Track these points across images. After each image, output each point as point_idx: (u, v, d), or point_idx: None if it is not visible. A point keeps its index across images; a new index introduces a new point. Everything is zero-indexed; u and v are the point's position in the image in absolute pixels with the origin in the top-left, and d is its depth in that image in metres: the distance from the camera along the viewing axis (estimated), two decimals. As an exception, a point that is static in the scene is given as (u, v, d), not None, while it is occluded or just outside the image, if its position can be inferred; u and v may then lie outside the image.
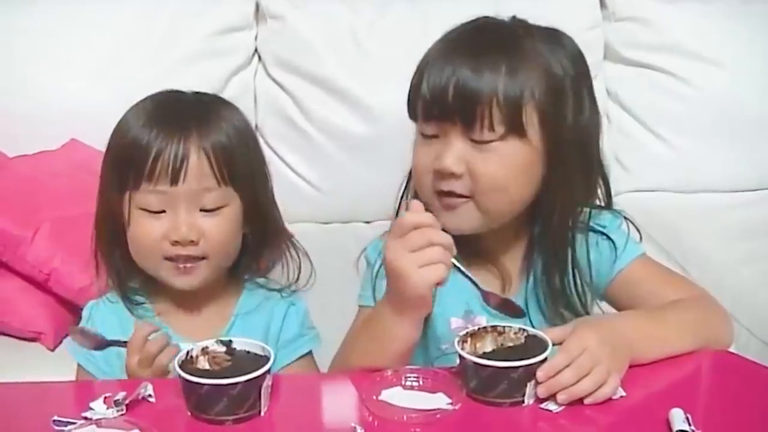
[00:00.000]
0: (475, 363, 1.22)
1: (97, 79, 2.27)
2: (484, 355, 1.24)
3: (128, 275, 1.54)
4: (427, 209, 1.32)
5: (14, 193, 1.89)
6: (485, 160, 1.38)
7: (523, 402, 1.22)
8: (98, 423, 1.17)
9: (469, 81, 1.36)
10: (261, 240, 1.57)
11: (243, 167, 1.50)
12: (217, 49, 2.38)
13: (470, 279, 1.32)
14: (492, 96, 1.36)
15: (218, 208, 1.47)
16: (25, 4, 2.32)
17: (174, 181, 1.43)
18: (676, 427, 1.14)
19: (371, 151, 2.34)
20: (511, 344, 1.28)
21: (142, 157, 1.44)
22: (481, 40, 1.43)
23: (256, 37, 2.44)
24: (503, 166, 1.39)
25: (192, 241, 1.45)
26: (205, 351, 1.26)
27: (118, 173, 1.48)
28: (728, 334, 1.45)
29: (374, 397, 1.23)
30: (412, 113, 1.46)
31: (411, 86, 1.45)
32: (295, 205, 2.38)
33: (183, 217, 1.45)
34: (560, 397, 1.21)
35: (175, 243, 1.45)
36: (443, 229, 1.30)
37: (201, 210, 1.46)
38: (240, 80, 2.41)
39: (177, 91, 1.56)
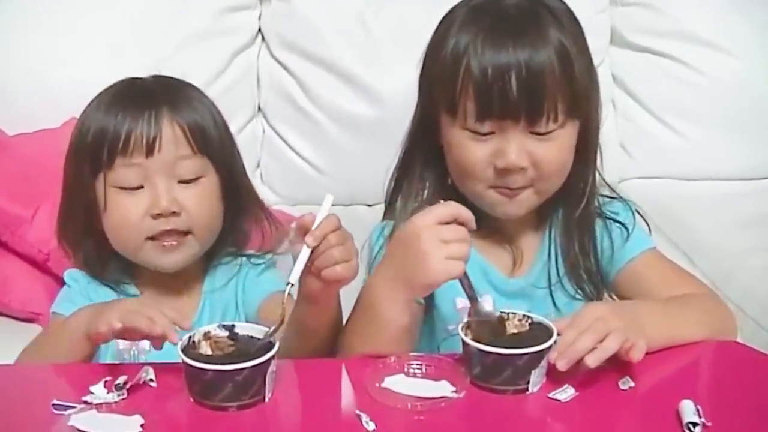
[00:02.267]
0: (479, 350, 1.21)
1: (98, 57, 2.23)
2: (488, 342, 1.22)
3: (102, 265, 1.53)
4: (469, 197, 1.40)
5: (14, 172, 1.86)
6: (547, 148, 1.38)
7: (527, 390, 1.21)
8: (98, 407, 1.15)
9: (533, 72, 1.34)
10: (238, 214, 1.56)
11: (216, 140, 1.50)
12: (220, 28, 2.34)
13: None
14: (552, 88, 1.35)
15: (196, 179, 1.46)
16: None
17: (149, 151, 1.42)
18: (686, 419, 1.12)
19: (375, 134, 2.29)
20: (515, 331, 1.27)
21: (114, 135, 1.42)
22: (514, 29, 1.38)
23: (260, 17, 2.40)
24: (562, 152, 1.40)
25: (174, 212, 1.43)
26: (207, 336, 1.24)
27: (89, 158, 1.45)
28: (733, 329, 1.44)
29: (377, 385, 1.21)
30: (447, 106, 1.41)
31: (439, 79, 1.42)
32: (297, 187, 2.39)
33: (162, 189, 1.43)
34: (589, 360, 1.18)
35: (157, 216, 1.43)
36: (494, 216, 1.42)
37: (179, 182, 1.45)
38: (243, 60, 2.38)
39: (135, 78, 1.54)
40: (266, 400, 1.19)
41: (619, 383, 1.22)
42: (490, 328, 1.26)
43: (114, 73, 1.54)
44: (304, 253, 1.23)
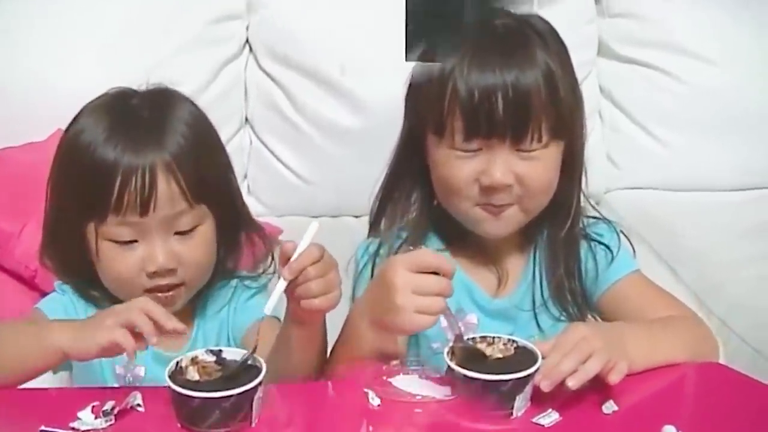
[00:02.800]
0: (464, 375, 1.21)
1: (85, 67, 2.23)
2: (473, 368, 1.22)
3: (91, 289, 1.46)
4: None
5: (2, 186, 1.87)
6: (532, 167, 1.40)
7: (512, 414, 1.21)
8: (86, 433, 1.15)
9: (519, 92, 1.36)
10: (233, 240, 1.51)
11: (213, 185, 1.43)
12: (208, 39, 2.36)
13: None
14: (538, 109, 1.37)
15: (193, 230, 1.40)
16: None
17: (144, 211, 1.35)
18: None
19: (362, 145, 2.30)
20: (500, 355, 1.27)
21: (107, 188, 1.34)
22: (501, 50, 1.40)
23: (247, 27, 2.41)
24: (547, 170, 1.42)
25: (171, 270, 1.38)
26: (194, 361, 1.24)
27: (79, 199, 1.38)
28: (715, 351, 1.45)
29: (384, 378, 1.25)
30: (434, 124, 1.42)
31: (427, 99, 1.43)
32: (284, 198, 2.40)
33: (159, 246, 1.37)
34: (570, 382, 1.18)
35: (153, 274, 1.38)
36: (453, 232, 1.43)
37: (176, 233, 1.39)
38: (231, 71, 2.40)
39: (128, 95, 1.45)
40: (252, 424, 1.19)
41: (603, 407, 1.23)
42: (475, 352, 1.26)
43: (102, 83, 1.49)
44: (281, 285, 1.23)
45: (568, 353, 1.20)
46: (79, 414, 1.19)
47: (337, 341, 1.39)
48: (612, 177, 2.53)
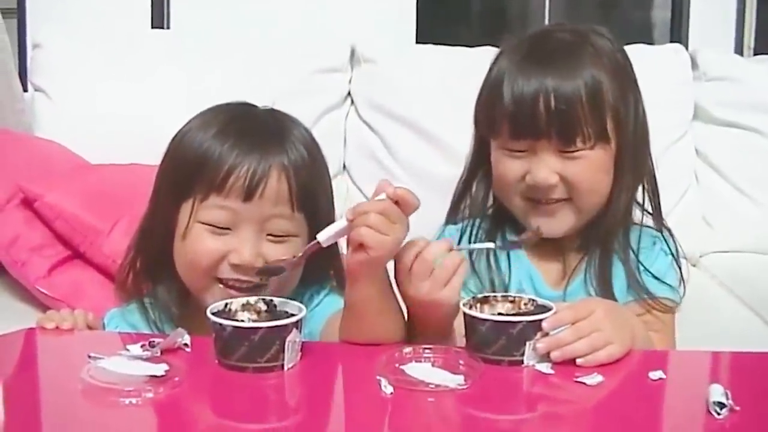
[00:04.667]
0: (475, 317, 1.27)
1: (190, 107, 2.36)
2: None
3: (164, 291, 1.49)
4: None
5: (98, 190, 1.96)
6: (576, 167, 1.49)
7: (522, 362, 1.25)
8: (130, 358, 1.23)
9: (560, 91, 1.46)
10: (318, 268, 1.49)
11: (317, 201, 1.44)
12: (311, 88, 2.47)
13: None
14: (581, 106, 1.47)
15: (286, 237, 1.40)
16: (138, 40, 2.53)
17: (248, 197, 1.35)
18: (713, 398, 1.12)
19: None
20: (520, 311, 1.32)
21: (215, 167, 1.36)
22: (551, 50, 1.52)
23: (350, 81, 2.52)
24: (592, 171, 1.50)
25: (255, 268, 1.37)
26: (246, 306, 1.30)
27: (182, 181, 1.40)
28: None
29: (396, 365, 1.25)
30: (489, 128, 1.54)
31: (484, 102, 1.55)
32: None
33: (250, 241, 1.37)
34: (554, 354, 1.24)
35: (236, 267, 1.38)
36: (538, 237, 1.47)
37: (268, 235, 1.39)
38: (331, 120, 2.49)
39: (247, 104, 1.50)
40: (285, 368, 1.23)
41: (649, 374, 1.24)
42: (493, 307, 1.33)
43: None
44: (341, 222, 1.28)
45: (585, 336, 1.25)
46: (128, 346, 1.27)
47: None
48: (707, 240, 2.50)
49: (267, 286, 1.39)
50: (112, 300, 1.79)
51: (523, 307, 1.33)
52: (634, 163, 1.55)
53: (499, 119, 1.51)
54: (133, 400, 1.11)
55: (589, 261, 1.56)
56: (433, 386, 1.18)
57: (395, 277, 1.32)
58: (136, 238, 1.52)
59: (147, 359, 1.22)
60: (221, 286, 1.40)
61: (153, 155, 2.19)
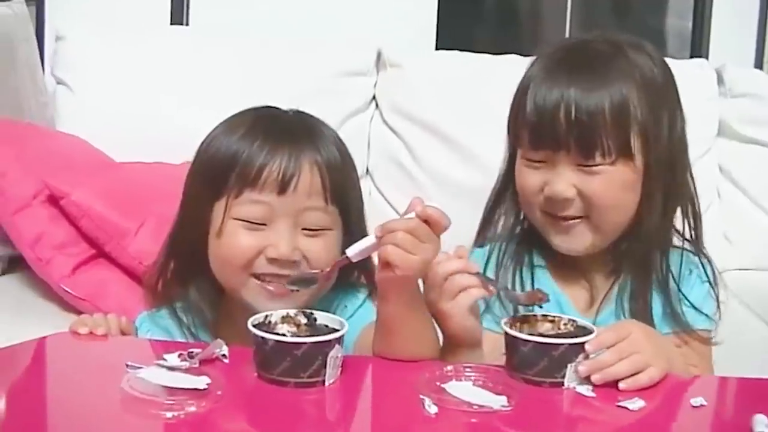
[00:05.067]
0: (517, 338, 1.26)
1: (216, 109, 2.33)
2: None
3: (196, 295, 1.47)
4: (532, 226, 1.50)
5: (124, 189, 1.94)
6: (594, 182, 1.44)
7: (562, 384, 1.24)
8: (169, 369, 1.21)
9: (581, 104, 1.42)
10: (347, 274, 1.49)
11: (350, 196, 1.45)
12: (336, 90, 2.45)
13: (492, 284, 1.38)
14: (603, 119, 1.42)
15: (321, 231, 1.40)
16: (159, 37, 2.52)
17: (282, 190, 1.35)
18: (757, 429, 1.11)
19: (482, 202, 2.31)
20: (559, 332, 1.31)
21: (247, 164, 1.36)
22: (582, 60, 1.47)
23: (375, 84, 2.50)
24: (612, 188, 1.45)
25: (294, 262, 1.37)
26: (286, 318, 1.28)
27: (213, 181, 1.40)
28: None
29: (437, 383, 1.23)
30: (514, 139, 1.51)
31: (511, 112, 1.52)
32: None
33: (286, 234, 1.37)
34: (595, 377, 1.23)
35: (273, 261, 1.37)
36: (553, 250, 1.48)
37: (303, 229, 1.39)
38: (355, 123, 2.47)
39: (271, 107, 1.50)
40: (326, 384, 1.21)
41: (692, 401, 1.22)
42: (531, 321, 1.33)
43: None
44: (370, 238, 1.27)
45: (624, 359, 1.24)
46: (165, 356, 1.25)
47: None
48: (728, 256, 2.47)
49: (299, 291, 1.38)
50: (136, 300, 1.78)
51: (562, 327, 1.32)
52: (666, 184, 1.49)
53: (521, 127, 1.48)
54: (175, 414, 1.09)
55: (622, 287, 1.52)
56: (476, 407, 1.17)
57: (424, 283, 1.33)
58: (167, 244, 1.51)
59: (186, 370, 1.21)
60: (257, 282, 1.39)
61: (175, 153, 2.20)
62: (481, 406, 1.16)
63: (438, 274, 1.30)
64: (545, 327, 1.33)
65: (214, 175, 1.40)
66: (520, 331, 1.30)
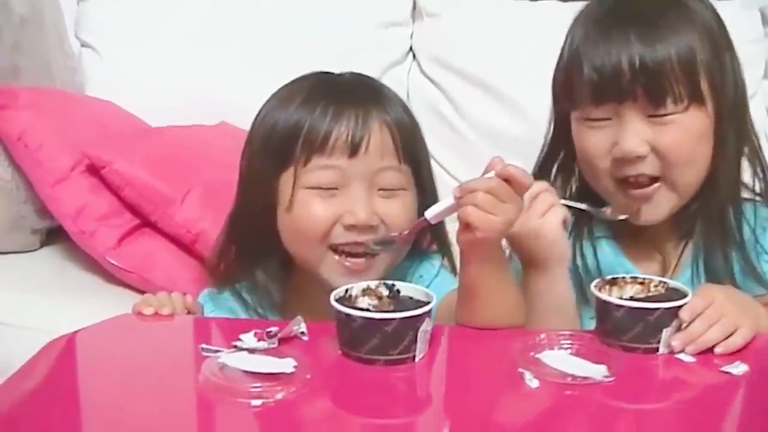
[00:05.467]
0: (611, 303, 1.19)
1: (255, 68, 2.27)
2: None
3: (263, 277, 1.40)
4: (604, 200, 1.38)
5: (166, 155, 1.86)
6: (668, 134, 1.32)
7: (657, 349, 1.18)
8: (250, 351, 1.13)
9: (646, 54, 1.30)
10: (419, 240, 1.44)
11: (421, 154, 1.39)
12: (373, 43, 2.38)
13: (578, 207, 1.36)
14: (671, 66, 1.31)
15: (397, 191, 1.33)
16: None
17: (354, 153, 1.29)
18: None
19: (525, 151, 2.20)
20: (650, 295, 1.25)
21: (312, 130, 1.29)
22: (636, 11, 1.36)
23: (411, 35, 2.43)
24: (688, 138, 1.34)
25: (372, 227, 1.30)
26: (367, 291, 1.21)
27: (276, 154, 1.32)
28: None
29: (531, 354, 1.16)
30: (568, 98, 1.39)
31: (563, 71, 1.40)
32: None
33: (362, 198, 1.30)
34: (689, 349, 1.17)
35: (351, 228, 1.30)
36: (632, 222, 1.37)
37: (379, 191, 1.32)
38: (393, 76, 2.39)
39: (324, 72, 1.42)
40: (416, 359, 1.14)
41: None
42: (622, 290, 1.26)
43: (265, 83, 1.45)
44: (449, 199, 1.21)
45: (715, 323, 1.18)
46: (241, 336, 1.17)
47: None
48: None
49: (377, 256, 1.33)
50: (185, 270, 1.75)
51: (653, 289, 1.26)
52: (736, 130, 1.39)
53: (578, 86, 1.35)
54: (265, 401, 1.02)
55: (695, 251, 1.42)
56: (580, 378, 1.10)
57: None
58: (229, 224, 1.43)
59: (267, 351, 1.13)
60: (336, 256, 1.32)
61: (210, 114, 2.14)
62: (584, 378, 1.10)
63: (527, 195, 1.24)
64: (635, 289, 1.26)
65: (277, 147, 1.33)
66: (610, 294, 1.23)
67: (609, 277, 1.28)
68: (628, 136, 1.32)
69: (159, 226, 1.81)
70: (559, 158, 1.49)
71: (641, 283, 1.27)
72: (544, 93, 2.17)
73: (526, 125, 2.27)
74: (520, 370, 1.10)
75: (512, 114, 2.31)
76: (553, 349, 1.18)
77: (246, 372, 1.07)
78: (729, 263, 1.40)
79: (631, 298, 1.24)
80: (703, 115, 1.34)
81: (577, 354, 1.16)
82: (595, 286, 1.24)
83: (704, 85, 1.33)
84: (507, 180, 1.18)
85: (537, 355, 1.15)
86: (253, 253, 1.40)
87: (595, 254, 1.45)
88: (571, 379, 1.10)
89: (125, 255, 1.78)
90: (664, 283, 1.26)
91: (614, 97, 1.32)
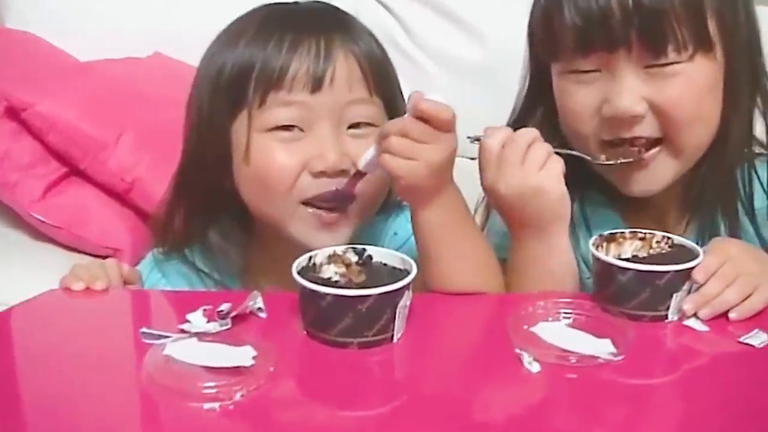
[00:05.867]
0: (615, 265, 1.05)
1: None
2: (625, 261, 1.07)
3: (218, 238, 1.26)
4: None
5: (97, 95, 1.68)
6: (669, 88, 1.14)
7: (666, 317, 1.05)
8: (199, 337, 0.96)
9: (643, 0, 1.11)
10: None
11: (395, 86, 1.23)
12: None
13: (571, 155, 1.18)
14: (671, 5, 1.11)
15: (369, 127, 1.17)
16: None
17: (317, 86, 1.12)
18: None
19: (482, 80, 2.09)
20: (653, 253, 1.12)
21: (266, 66, 1.12)
22: None
23: (360, -46, 2.22)
24: (693, 92, 1.15)
25: (343, 172, 1.15)
26: (333, 258, 1.05)
27: (226, 96, 1.16)
28: None
29: (525, 327, 1.01)
30: (547, 48, 1.20)
31: (540, 13, 1.21)
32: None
33: (330, 138, 1.14)
34: (702, 312, 1.04)
35: (320, 174, 1.14)
36: (625, 195, 1.21)
37: (350, 128, 1.16)
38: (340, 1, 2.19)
39: (284, 2, 1.24)
40: (394, 339, 0.98)
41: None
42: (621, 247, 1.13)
43: (209, 5, 1.25)
44: (371, 150, 1.10)
45: (732, 283, 1.04)
46: (188, 316, 1.00)
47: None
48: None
49: (357, 205, 1.18)
50: (122, 222, 1.62)
51: (655, 245, 1.12)
52: (750, 79, 1.21)
53: (559, 32, 1.16)
54: (220, 404, 0.85)
55: (702, 222, 1.25)
56: (588, 356, 0.95)
57: (481, 176, 1.12)
58: (176, 180, 1.25)
59: (219, 336, 0.96)
60: (309, 209, 1.17)
61: (140, 44, 1.93)
62: (594, 357, 0.95)
63: (518, 146, 1.09)
64: (634, 246, 1.13)
65: (228, 89, 1.16)
66: (606, 253, 1.10)
67: (606, 233, 1.13)
68: (622, 92, 1.14)
69: (89, 175, 1.63)
70: (536, 117, 1.30)
71: (642, 239, 1.13)
72: (504, 16, 2.03)
73: (484, 51, 2.13)
74: (518, 350, 0.95)
75: (469, 39, 2.14)
76: (548, 320, 1.03)
77: (197, 366, 0.89)
78: (740, 230, 1.24)
79: (635, 258, 1.10)
80: (711, 64, 1.15)
81: (577, 326, 1.02)
82: (593, 244, 1.09)
83: (712, 28, 1.14)
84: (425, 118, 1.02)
85: (532, 329, 1.01)
86: (207, 212, 1.24)
87: (588, 228, 1.29)
88: (575, 360, 0.94)
89: (53, 208, 1.61)
90: (668, 238, 1.12)
91: (603, 46, 1.13)
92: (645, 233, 1.13)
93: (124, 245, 1.60)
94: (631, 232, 1.13)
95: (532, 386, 0.92)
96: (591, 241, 1.10)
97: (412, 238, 1.19)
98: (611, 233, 1.13)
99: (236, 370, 0.88)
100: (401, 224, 1.27)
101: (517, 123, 1.30)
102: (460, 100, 2.09)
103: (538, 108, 1.30)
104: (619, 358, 0.95)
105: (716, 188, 1.24)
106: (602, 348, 0.97)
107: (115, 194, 1.63)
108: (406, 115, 1.04)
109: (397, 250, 1.19)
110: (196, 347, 0.93)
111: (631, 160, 1.18)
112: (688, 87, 1.14)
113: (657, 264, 1.04)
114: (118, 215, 1.62)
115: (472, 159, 1.20)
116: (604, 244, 1.11)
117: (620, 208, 1.30)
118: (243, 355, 0.91)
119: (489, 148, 1.11)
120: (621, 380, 0.93)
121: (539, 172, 1.10)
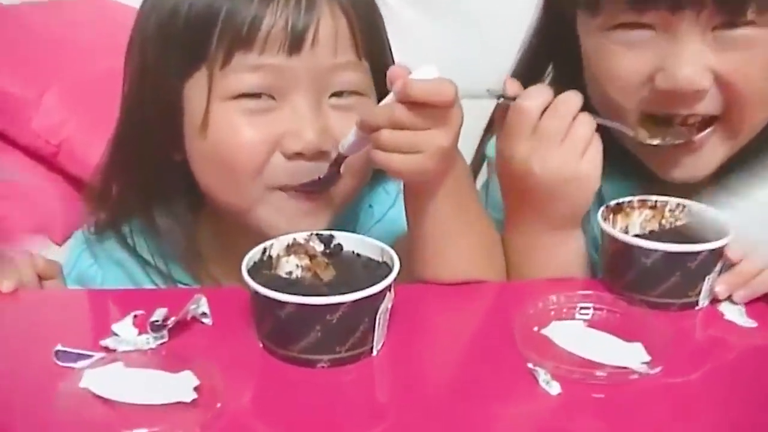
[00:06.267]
0: (633, 246, 0.89)
1: None
2: (642, 237, 0.92)
3: (163, 218, 1.04)
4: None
5: (19, 45, 1.52)
6: (738, 57, 0.93)
7: (696, 304, 0.91)
8: (126, 357, 0.77)
9: None
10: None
11: (384, 44, 1.03)
12: None
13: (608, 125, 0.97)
14: None
15: (354, 96, 0.98)
16: None
17: (296, 47, 0.92)
18: None
19: (451, 14, 1.85)
20: (667, 226, 0.98)
21: (233, 16, 0.92)
22: None
23: None
24: (765, 64, 0.94)
25: (323, 153, 0.96)
26: (294, 248, 0.85)
27: (183, 46, 0.95)
28: None
29: (536, 329, 0.84)
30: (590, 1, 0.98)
31: None
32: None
33: (308, 112, 0.95)
34: (738, 295, 0.91)
35: (295, 157, 0.95)
36: (663, 180, 1.01)
37: (332, 96, 0.97)
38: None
39: None
40: (374, 352, 0.80)
41: None
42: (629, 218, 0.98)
43: None
44: (355, 133, 0.90)
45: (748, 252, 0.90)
46: (115, 328, 0.81)
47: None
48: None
49: (336, 187, 0.99)
50: (50, 188, 1.45)
51: (668, 215, 0.98)
52: None
53: None
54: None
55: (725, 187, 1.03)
56: (617, 370, 0.77)
57: (503, 142, 0.93)
58: (113, 147, 1.04)
59: (153, 355, 0.77)
60: (282, 194, 0.98)
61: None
62: (626, 371, 0.77)
63: (562, 117, 0.90)
64: (644, 216, 0.98)
65: (182, 40, 0.95)
66: (613, 225, 0.95)
67: (613, 203, 0.97)
68: (685, 60, 0.92)
69: (10, 137, 1.47)
70: (547, 73, 1.10)
71: (652, 207, 0.98)
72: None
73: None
74: (530, 366, 0.77)
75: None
76: (562, 319, 0.86)
77: (123, 404, 0.70)
78: None
79: (651, 233, 0.96)
80: None
81: (597, 325, 0.85)
82: (602, 215, 0.94)
83: None
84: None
85: (543, 331, 0.84)
86: (150, 186, 1.03)
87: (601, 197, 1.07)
88: (603, 376, 0.76)
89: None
90: (683, 206, 0.97)
91: (667, 3, 0.91)
92: (656, 201, 0.98)
93: (56, 214, 1.41)
94: (639, 200, 0.98)
95: (551, 412, 0.73)
96: (600, 213, 0.94)
97: (391, 213, 1.03)
98: (617, 203, 0.97)
99: (173, 408, 0.69)
100: (378, 197, 1.09)
101: (519, 78, 1.08)
102: (425, 37, 1.91)
103: (548, 61, 1.10)
104: (657, 370, 0.78)
105: (751, 172, 1.02)
106: (633, 356, 0.80)
107: (41, 158, 1.47)
108: (391, 98, 0.85)
109: (370, 228, 1.01)
110: (121, 375, 0.73)
111: (682, 141, 0.98)
112: (760, 57, 0.94)
113: (674, 240, 0.90)
114: (45, 182, 1.46)
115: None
116: (611, 216, 0.96)
117: (639, 181, 1.09)
118: (182, 385, 0.71)
119: (528, 112, 0.90)
120: (662, 399, 0.75)
121: (582, 156, 0.91)
